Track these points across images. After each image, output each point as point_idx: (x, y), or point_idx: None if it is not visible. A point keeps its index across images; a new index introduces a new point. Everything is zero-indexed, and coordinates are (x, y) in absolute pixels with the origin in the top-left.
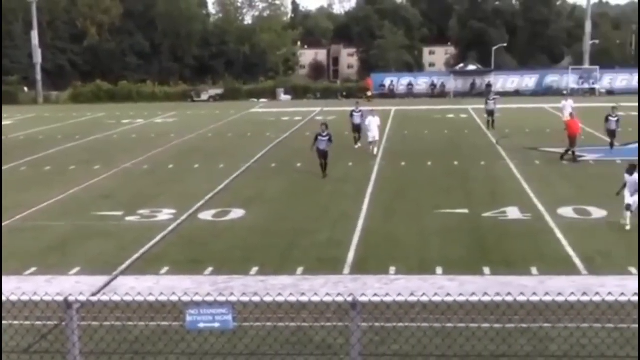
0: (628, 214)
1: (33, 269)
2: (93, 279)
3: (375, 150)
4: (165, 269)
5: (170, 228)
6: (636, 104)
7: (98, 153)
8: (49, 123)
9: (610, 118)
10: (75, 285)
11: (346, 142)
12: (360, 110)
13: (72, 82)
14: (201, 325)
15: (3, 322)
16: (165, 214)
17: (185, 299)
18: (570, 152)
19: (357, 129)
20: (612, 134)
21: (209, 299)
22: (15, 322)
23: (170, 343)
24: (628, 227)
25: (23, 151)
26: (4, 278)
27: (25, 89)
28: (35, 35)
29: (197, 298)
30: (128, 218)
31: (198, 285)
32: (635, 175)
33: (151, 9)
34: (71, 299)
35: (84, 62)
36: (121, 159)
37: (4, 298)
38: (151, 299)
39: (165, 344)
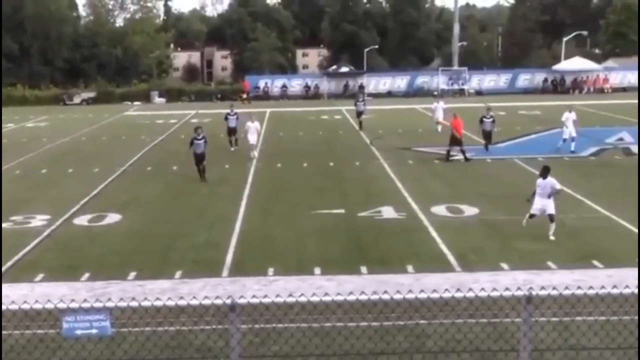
0: (552, 225)
1: None
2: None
3: (255, 153)
4: (40, 276)
5: (44, 234)
6: (503, 104)
7: None
8: None
9: (485, 119)
10: None
11: (222, 144)
12: (235, 113)
13: None
14: (78, 332)
15: None
16: (39, 220)
17: (61, 305)
18: (448, 152)
19: (233, 132)
20: (487, 135)
21: (86, 305)
22: None
23: (46, 351)
24: (552, 238)
25: None
26: None
27: None
28: None
29: (74, 305)
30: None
31: (75, 291)
32: (549, 178)
33: (19, 11)
34: None
35: None
36: None
37: None
38: (26, 306)
39: (41, 352)
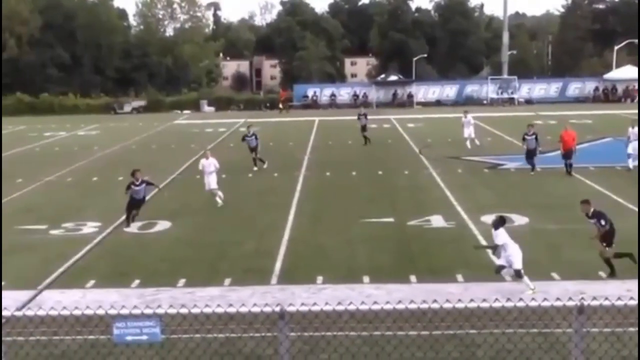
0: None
1: None
2: (18, 294)
3: (219, 200)
4: (91, 282)
5: (95, 241)
6: (554, 113)
7: (20, 166)
8: None
9: (527, 137)
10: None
11: (268, 152)
12: (253, 134)
13: None
14: (129, 338)
15: None
16: (90, 227)
17: (112, 312)
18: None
19: (254, 150)
20: (531, 153)
21: (136, 311)
22: None
23: (97, 357)
24: (533, 290)
25: None
26: None
27: None
28: None
29: (124, 311)
30: (52, 231)
31: (125, 298)
32: (500, 229)
33: (71, 21)
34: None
35: (3, 74)
36: (44, 172)
37: None
38: (77, 312)
39: (92, 357)
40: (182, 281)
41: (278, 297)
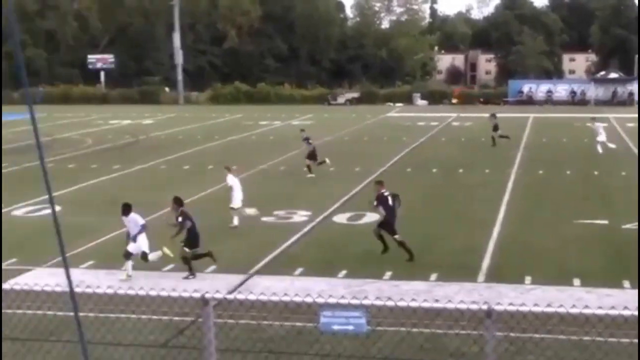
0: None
1: (171, 266)
2: (229, 278)
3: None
4: (299, 270)
5: (305, 230)
6: None
7: (235, 154)
8: (188, 123)
9: None
10: (212, 283)
11: (483, 145)
12: (306, 138)
13: (211, 83)
14: (335, 327)
15: (142, 316)
16: (300, 216)
17: (320, 300)
18: None
19: (310, 157)
20: None
21: (343, 301)
22: (154, 317)
23: (304, 344)
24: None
25: (164, 150)
26: (142, 274)
27: (167, 89)
28: (177, 37)
29: (332, 300)
30: (264, 218)
31: (332, 287)
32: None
33: (289, 12)
34: (208, 296)
35: (223, 63)
36: (258, 160)
37: (142, 293)
38: (286, 299)
39: (298, 344)
40: (388, 274)
41: (485, 295)
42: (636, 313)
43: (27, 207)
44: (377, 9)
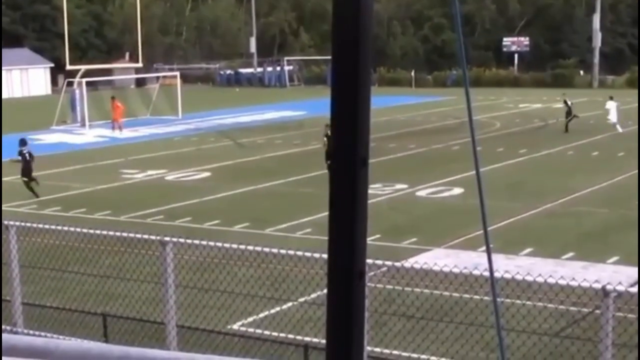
0: None
1: (570, 254)
2: (631, 270)
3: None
4: None
5: None
6: None
7: None
8: (600, 108)
9: None
10: (613, 275)
11: None
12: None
13: (629, 66)
14: None
15: (537, 303)
16: None
17: None
18: None
19: None
20: None
21: None
22: (550, 305)
23: None
24: None
25: (574, 135)
26: (540, 260)
27: (581, 72)
28: (596, 18)
29: None
30: None
31: None
32: None
33: None
34: (609, 287)
35: None
36: None
37: (540, 279)
38: None
39: None
40: None
41: None
42: None
43: (431, 189)
44: None
